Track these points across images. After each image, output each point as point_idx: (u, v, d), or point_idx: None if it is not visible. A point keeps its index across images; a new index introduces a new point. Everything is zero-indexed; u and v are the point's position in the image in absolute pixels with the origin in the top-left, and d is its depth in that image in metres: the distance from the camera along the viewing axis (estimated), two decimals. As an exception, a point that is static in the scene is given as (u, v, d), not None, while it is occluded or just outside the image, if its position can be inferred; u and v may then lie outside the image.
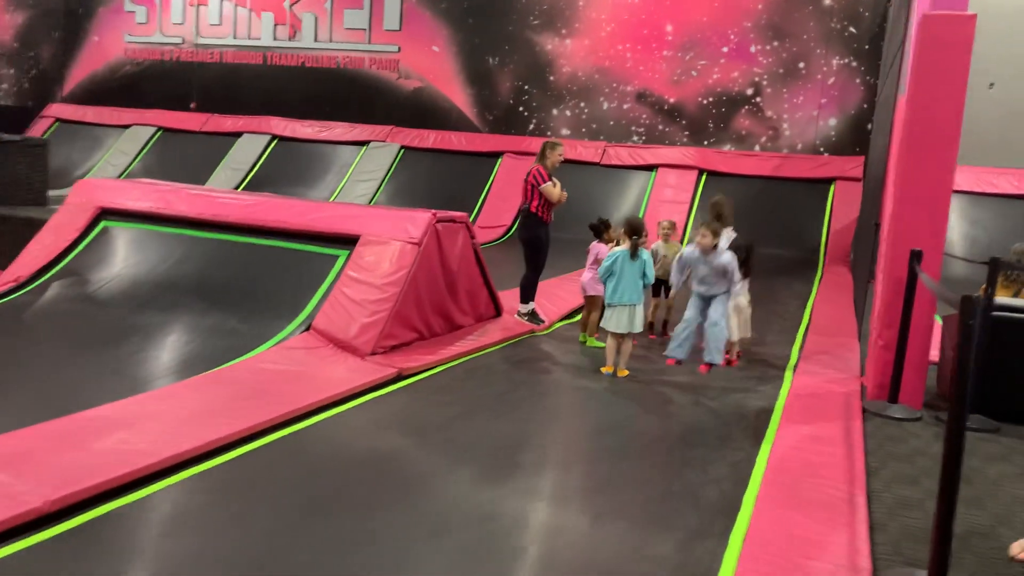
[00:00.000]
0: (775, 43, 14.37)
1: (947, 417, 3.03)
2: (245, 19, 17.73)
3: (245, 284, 6.23)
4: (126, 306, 6.13)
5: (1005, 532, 3.73)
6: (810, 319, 8.82)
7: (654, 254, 6.95)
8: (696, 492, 4.00)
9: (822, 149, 14.21)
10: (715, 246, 6.01)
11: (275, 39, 17.56)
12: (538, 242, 7.49)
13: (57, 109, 18.88)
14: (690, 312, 6.07)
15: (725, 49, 14.66)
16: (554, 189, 7.41)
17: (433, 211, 6.48)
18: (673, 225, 7.91)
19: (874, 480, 4.22)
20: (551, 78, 15.78)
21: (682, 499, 3.91)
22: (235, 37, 17.85)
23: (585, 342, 6.94)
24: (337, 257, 6.24)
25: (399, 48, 16.71)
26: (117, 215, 6.94)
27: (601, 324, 6.30)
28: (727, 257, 5.98)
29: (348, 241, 6.28)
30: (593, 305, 6.93)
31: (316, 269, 6.20)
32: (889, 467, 4.43)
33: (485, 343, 6.59)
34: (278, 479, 3.91)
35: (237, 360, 5.31)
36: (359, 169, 16.07)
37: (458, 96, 16.43)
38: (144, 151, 17.51)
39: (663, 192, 14.32)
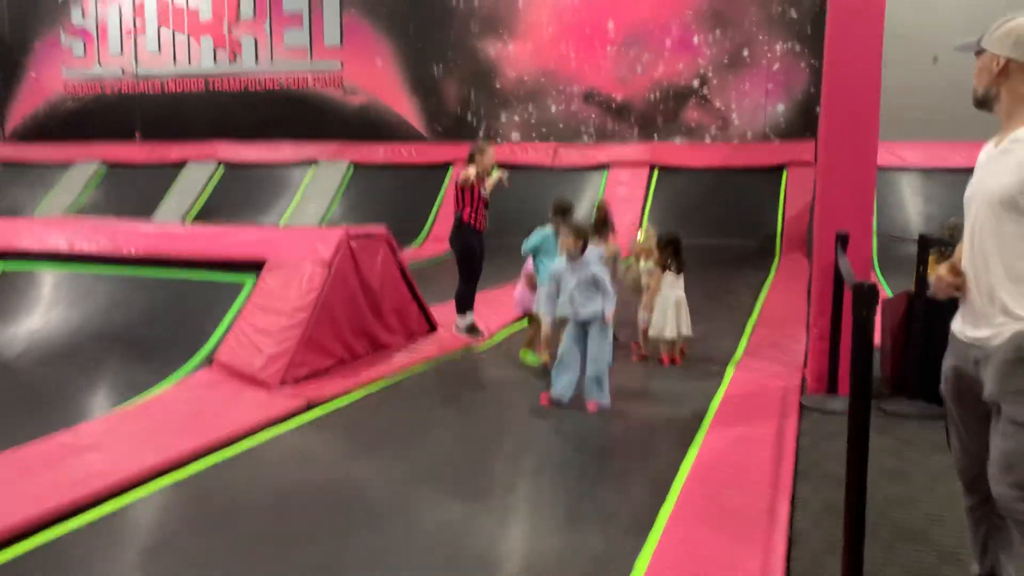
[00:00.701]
0: (717, 32, 14.17)
1: (849, 413, 2.74)
2: (184, 45, 17.36)
3: (147, 319, 5.88)
4: (21, 351, 5.76)
5: (938, 534, 3.44)
6: (760, 310, 8.55)
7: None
8: (607, 513, 3.69)
9: (772, 136, 14.00)
10: (582, 250, 5.19)
11: (216, 63, 17.19)
12: (470, 251, 7.19)
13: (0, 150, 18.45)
14: (566, 343, 5.17)
15: (668, 42, 14.44)
16: (469, 174, 7.04)
17: (345, 228, 6.16)
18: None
19: (802, 484, 3.93)
20: (497, 84, 15.50)
21: (591, 523, 3.59)
22: (175, 64, 17.47)
23: (525, 359, 6.40)
24: (242, 284, 5.90)
25: (342, 64, 16.39)
26: (17, 257, 6.57)
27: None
28: (596, 267, 5.16)
29: (255, 266, 5.94)
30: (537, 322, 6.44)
31: (221, 298, 5.85)
32: (820, 468, 4.14)
33: (414, 361, 6.27)
34: (167, 527, 3.57)
35: (126, 403, 4.94)
36: (309, 189, 15.73)
37: (405, 108, 16.12)
38: (89, 188, 17.09)
39: (616, 190, 14.05)
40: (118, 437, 4.39)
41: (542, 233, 6.14)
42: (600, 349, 5.07)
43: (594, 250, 5.33)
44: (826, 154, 5.16)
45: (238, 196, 15.99)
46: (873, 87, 5.04)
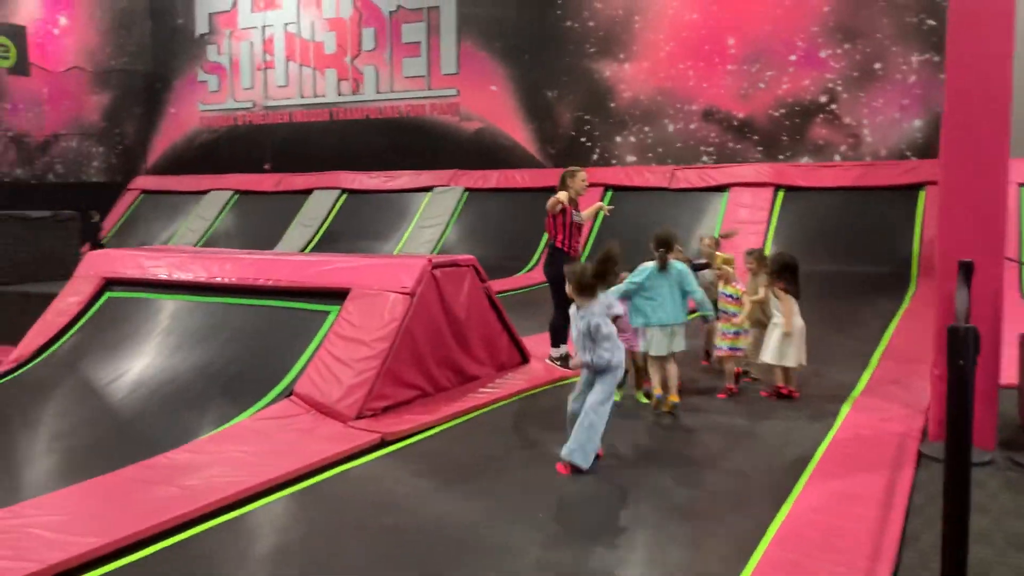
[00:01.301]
0: (846, 45, 13.35)
1: (945, 471, 2.29)
2: (310, 77, 17.96)
3: (235, 348, 5.90)
4: (115, 376, 5.89)
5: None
6: (888, 343, 7.84)
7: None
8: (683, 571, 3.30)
9: (908, 153, 13.03)
10: (588, 296, 4.53)
11: (339, 94, 17.69)
12: (563, 279, 6.91)
13: (142, 181, 19.61)
14: (576, 392, 4.67)
15: (793, 57, 13.74)
16: (555, 202, 6.86)
17: (429, 257, 6.02)
18: (716, 243, 7.09)
19: (909, 552, 3.41)
20: (612, 105, 15.19)
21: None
22: (302, 96, 18.10)
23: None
24: (328, 313, 5.83)
25: (458, 91, 16.51)
26: (121, 285, 6.78)
27: (642, 348, 5.77)
28: (598, 317, 4.50)
29: (340, 295, 5.87)
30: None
31: (306, 327, 5.80)
32: (934, 530, 3.59)
33: (502, 395, 6.02)
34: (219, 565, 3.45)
35: (203, 436, 4.92)
36: (424, 215, 15.86)
37: (519, 133, 16.05)
38: (221, 215, 17.88)
39: (738, 213, 13.43)
40: (185, 471, 4.35)
41: (645, 270, 5.70)
42: (598, 397, 4.49)
43: (605, 297, 4.68)
44: (947, 173, 4.59)
45: (359, 223, 16.33)
46: (1002, 96, 4.45)
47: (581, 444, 4.43)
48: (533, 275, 12.88)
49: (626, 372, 5.72)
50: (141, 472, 4.34)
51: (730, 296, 6.22)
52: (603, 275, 4.63)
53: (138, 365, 5.99)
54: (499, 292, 11.00)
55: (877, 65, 13.20)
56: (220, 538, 3.75)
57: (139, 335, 6.26)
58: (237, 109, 18.81)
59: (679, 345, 5.64)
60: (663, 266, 5.63)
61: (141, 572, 3.43)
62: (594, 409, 4.47)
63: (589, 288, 4.57)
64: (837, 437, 4.90)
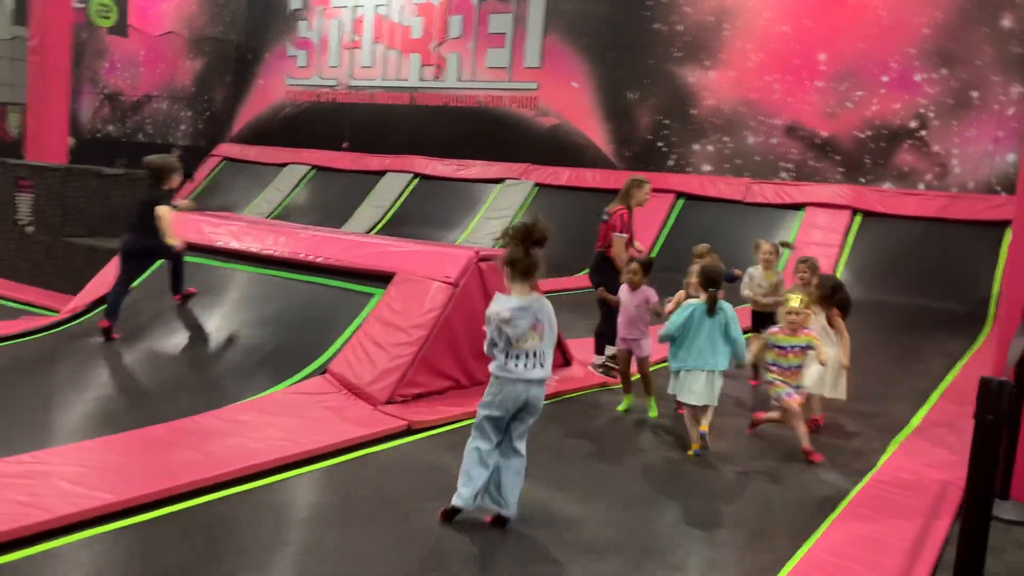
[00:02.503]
0: (943, 71, 12.81)
1: (961, 525, 2.13)
2: (395, 61, 18.12)
3: (279, 321, 5.97)
4: (158, 340, 6.02)
5: None
6: (950, 384, 7.49)
7: (749, 278, 6.64)
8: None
9: (998, 188, 12.45)
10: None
11: (421, 80, 17.81)
12: (611, 288, 6.80)
13: (225, 148, 20.08)
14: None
15: (885, 79, 13.24)
16: (622, 245, 6.73)
17: (477, 249, 5.97)
18: (776, 250, 6.81)
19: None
20: (692, 111, 14.91)
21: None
22: (384, 79, 18.27)
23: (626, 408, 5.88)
24: (372, 296, 5.85)
25: (538, 85, 16.44)
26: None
27: (671, 390, 5.22)
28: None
29: (385, 279, 5.87)
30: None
31: (349, 308, 5.83)
32: (960, 591, 3.39)
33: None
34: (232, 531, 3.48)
35: (237, 401, 4.98)
36: (492, 207, 15.86)
37: (595, 132, 15.90)
38: (297, 189, 18.21)
39: (811, 233, 13.05)
40: (209, 437, 4.40)
41: (688, 309, 5.06)
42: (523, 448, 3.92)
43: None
44: (1021, 213, 4.34)
45: (428, 208, 16.43)
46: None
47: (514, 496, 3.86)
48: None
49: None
50: (167, 433, 4.41)
51: (797, 347, 5.13)
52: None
53: (183, 328, 6.11)
54: (558, 291, 10.98)
55: (974, 93, 12.64)
56: (233, 508, 3.78)
57: (191, 299, 6.37)
58: (321, 86, 19.11)
59: (716, 395, 5.03)
60: (712, 310, 4.96)
61: (151, 532, 3.48)
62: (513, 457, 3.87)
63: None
64: (875, 478, 4.68)
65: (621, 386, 6.07)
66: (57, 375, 5.60)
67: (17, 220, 8.45)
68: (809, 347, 5.08)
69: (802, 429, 5.06)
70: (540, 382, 3.80)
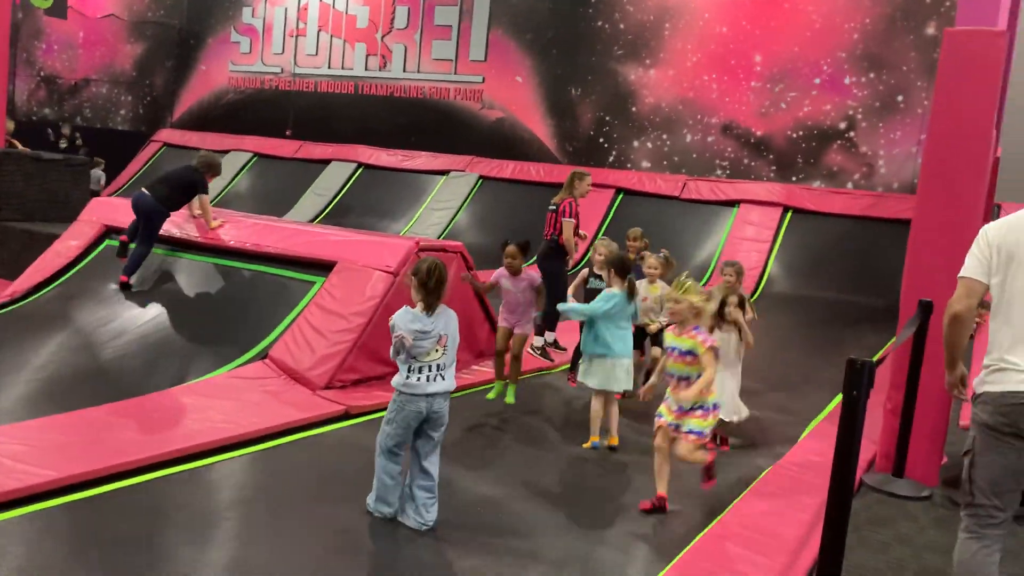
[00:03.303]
0: (871, 75, 13.36)
1: (828, 499, 2.42)
2: (340, 50, 18.11)
3: (221, 307, 6.08)
4: (100, 324, 6.08)
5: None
6: (865, 374, 7.91)
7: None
8: (607, 569, 3.45)
9: (920, 188, 13.02)
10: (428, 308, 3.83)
11: (366, 69, 17.83)
12: (558, 274, 7.14)
13: (166, 134, 19.83)
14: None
15: (817, 80, 13.75)
16: (571, 229, 7.08)
17: (417, 239, 6.15)
18: (665, 263, 6.25)
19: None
20: (633, 109, 15.26)
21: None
22: (329, 67, 18.25)
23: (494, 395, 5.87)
24: (313, 283, 6.00)
25: (483, 79, 16.62)
26: (122, 233, 6.96)
27: (579, 378, 5.29)
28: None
29: (326, 267, 6.02)
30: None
31: (290, 295, 5.97)
32: (851, 559, 3.71)
33: (474, 381, 6.19)
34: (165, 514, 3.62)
35: (181, 385, 5.10)
36: (436, 198, 16.01)
37: (539, 127, 16.15)
38: (239, 176, 18.09)
39: (744, 230, 13.51)
40: (150, 418, 4.52)
41: (614, 298, 5.16)
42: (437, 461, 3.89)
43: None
44: (919, 213, 4.69)
45: (371, 198, 16.48)
46: (981, 145, 4.54)
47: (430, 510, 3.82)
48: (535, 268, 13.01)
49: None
50: (109, 414, 4.52)
51: (678, 350, 4.17)
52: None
53: (125, 313, 6.18)
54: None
55: (899, 97, 13.22)
56: (173, 487, 3.92)
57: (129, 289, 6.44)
58: (265, 73, 18.99)
59: (620, 381, 5.11)
60: (631, 295, 5.17)
61: (91, 509, 3.60)
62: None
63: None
64: (785, 459, 5.01)
65: (562, 369, 6.34)
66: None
67: (-49, 204, 8.38)
68: (692, 353, 4.09)
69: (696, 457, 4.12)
70: (444, 395, 3.77)
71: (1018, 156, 11.72)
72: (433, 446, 3.82)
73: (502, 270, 5.82)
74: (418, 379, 3.72)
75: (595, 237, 14.54)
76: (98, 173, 16.43)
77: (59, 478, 3.70)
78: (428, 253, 6.14)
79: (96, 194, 15.46)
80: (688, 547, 3.67)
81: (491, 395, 5.86)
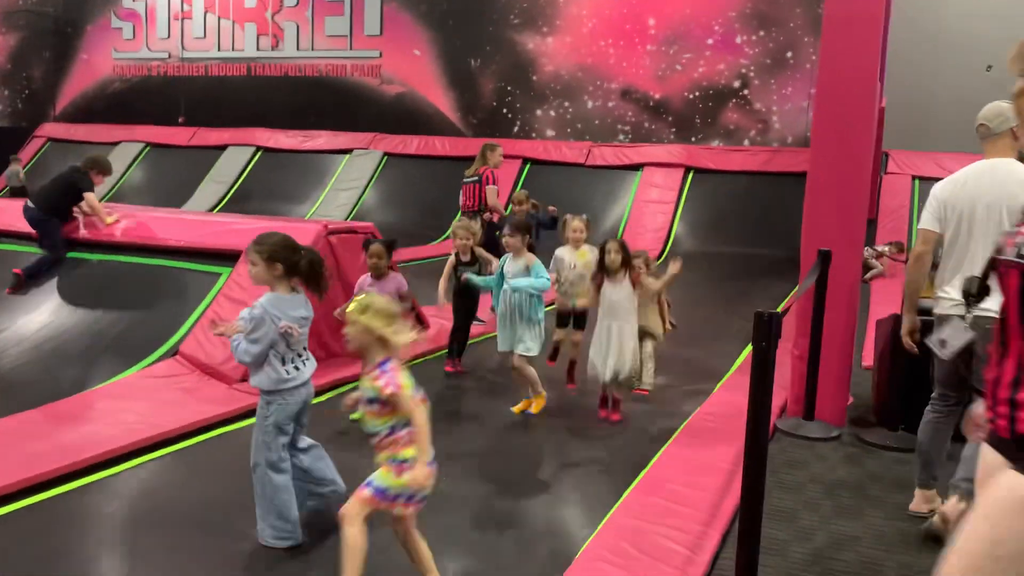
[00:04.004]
0: (761, 33, 13.72)
1: (746, 447, 2.53)
2: (228, 31, 17.53)
3: (123, 306, 5.87)
4: (4, 330, 5.80)
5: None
6: (772, 324, 8.21)
7: (558, 263, 5.40)
8: (530, 536, 3.51)
9: (812, 141, 13.49)
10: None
11: (258, 50, 17.33)
12: (494, 243, 7.22)
13: (50, 128, 18.88)
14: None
15: (710, 41, 14.04)
16: (495, 194, 7.26)
17: (325, 222, 6.06)
18: (586, 225, 5.61)
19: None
20: (534, 78, 15.29)
21: (510, 544, 3.42)
22: (219, 50, 17.66)
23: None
24: (220, 275, 5.84)
25: (380, 53, 16.36)
26: (9, 237, 6.64)
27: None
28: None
29: (232, 257, 5.87)
30: None
31: (197, 288, 5.81)
32: (769, 501, 3.87)
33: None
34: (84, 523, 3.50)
35: (90, 388, 4.92)
36: (341, 178, 15.75)
37: (441, 100, 16.03)
38: (131, 168, 17.40)
39: (648, 192, 13.77)
40: (61, 426, 4.36)
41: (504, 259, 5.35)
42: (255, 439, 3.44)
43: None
44: (813, 165, 4.87)
45: (273, 182, 16.09)
46: (866, 99, 4.73)
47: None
48: (448, 244, 12.98)
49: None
50: (16, 424, 4.33)
51: (373, 401, 2.94)
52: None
53: (22, 319, 5.91)
54: (413, 260, 11.12)
55: (788, 54, 13.62)
56: (90, 496, 3.80)
57: (24, 288, 6.15)
58: (152, 59, 18.25)
59: (527, 347, 5.07)
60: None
61: (6, 527, 3.46)
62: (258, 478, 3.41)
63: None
64: (700, 412, 5.18)
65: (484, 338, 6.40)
66: None
67: None
68: (378, 400, 2.90)
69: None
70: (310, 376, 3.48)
71: (900, 105, 12.27)
72: (302, 428, 3.53)
73: (365, 276, 5.24)
74: (296, 368, 3.38)
75: (505, 210, 14.63)
76: (16, 168, 15.61)
77: (-35, 497, 3.54)
78: (338, 235, 6.07)
79: (20, 190, 14.77)
80: (615, 505, 3.76)
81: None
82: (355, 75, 16.60)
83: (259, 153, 16.74)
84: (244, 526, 3.51)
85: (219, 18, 17.56)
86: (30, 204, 6.38)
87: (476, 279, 5.64)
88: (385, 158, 15.80)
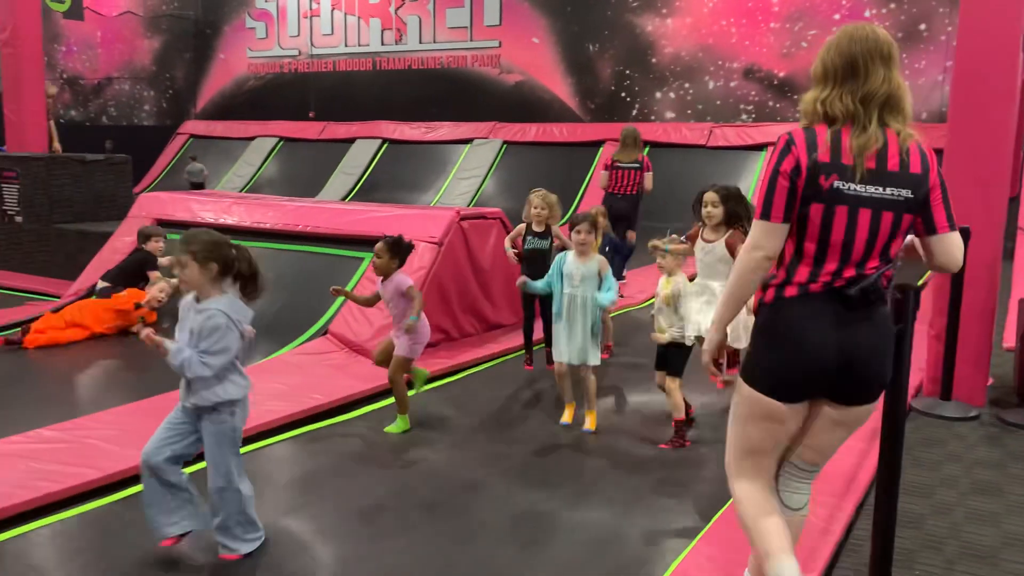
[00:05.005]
0: (892, 5, 13.23)
1: (883, 423, 2.60)
2: (355, 26, 18.21)
3: (276, 290, 6.26)
4: (164, 317, 6.36)
5: (1008, 557, 3.17)
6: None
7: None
8: (678, 498, 3.67)
9: (948, 116, 12.93)
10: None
11: (383, 44, 17.93)
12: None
13: (191, 126, 20.12)
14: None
15: (837, 16, 13.63)
16: (651, 180, 8.62)
17: (458, 209, 6.33)
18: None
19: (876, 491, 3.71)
20: (653, 60, 15.25)
21: (642, 515, 3.59)
22: (346, 45, 18.37)
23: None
24: (362, 259, 6.21)
25: (500, 43, 16.65)
26: (172, 226, 7.21)
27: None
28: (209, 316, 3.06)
29: (373, 243, 6.20)
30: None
31: (342, 272, 6.19)
32: (903, 476, 3.88)
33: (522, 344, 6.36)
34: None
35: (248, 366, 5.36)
36: (462, 167, 16.15)
37: (559, 86, 16.20)
38: (267, 161, 18.35)
39: (772, 173, 13.51)
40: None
41: (561, 258, 4.68)
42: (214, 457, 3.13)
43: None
44: (951, 141, 4.78)
45: (398, 173, 16.66)
46: (1009, 65, 4.61)
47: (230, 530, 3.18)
48: (566, 229, 13.15)
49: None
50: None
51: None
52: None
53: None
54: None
55: (922, 26, 13.09)
56: (254, 463, 4.16)
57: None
58: (283, 56, 19.16)
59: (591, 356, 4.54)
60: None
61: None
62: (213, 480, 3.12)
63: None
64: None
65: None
66: (73, 352, 5.95)
67: (5, 211, 8.67)
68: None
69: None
70: None
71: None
72: None
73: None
74: (243, 374, 3.16)
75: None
76: (198, 165, 16.87)
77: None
78: (469, 221, 6.34)
79: (200, 185, 15.98)
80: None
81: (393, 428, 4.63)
82: (475, 65, 16.96)
83: (385, 145, 17.34)
84: (394, 483, 3.81)
85: (345, 14, 18.25)
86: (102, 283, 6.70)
87: (534, 285, 4.73)
88: (504, 146, 16.09)
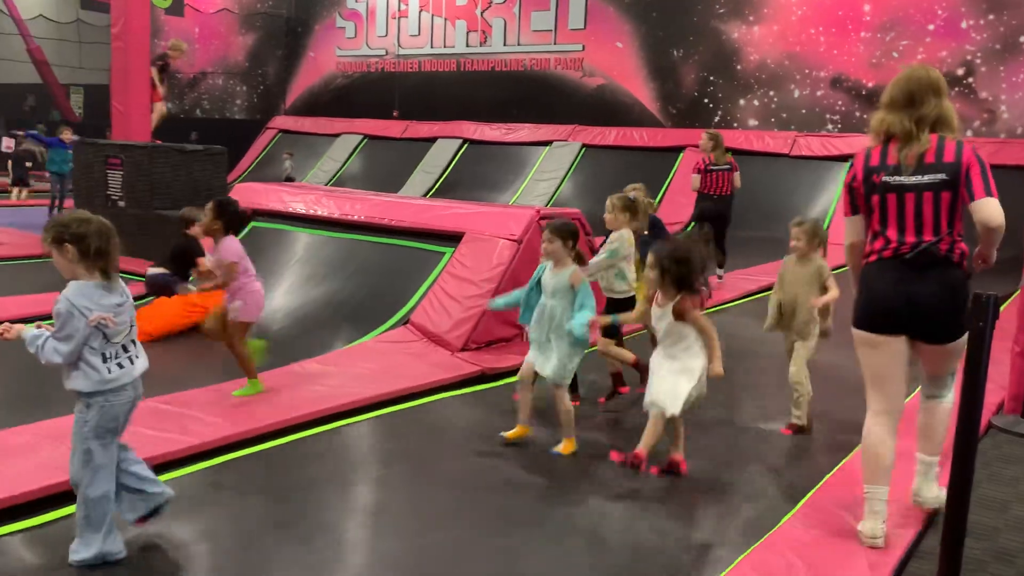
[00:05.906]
0: (990, 16, 12.87)
1: (956, 436, 2.62)
2: (441, 28, 18.54)
3: (360, 279, 6.56)
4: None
5: None
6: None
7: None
8: (754, 490, 3.72)
9: (1049, 133, 12.53)
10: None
11: (468, 46, 18.22)
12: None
13: (280, 121, 20.77)
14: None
15: (931, 27, 13.34)
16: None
17: (537, 208, 6.47)
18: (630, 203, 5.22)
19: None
20: (738, 67, 15.15)
21: (720, 514, 3.65)
22: (432, 46, 18.72)
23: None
24: (443, 254, 6.40)
25: (583, 47, 16.76)
26: (265, 216, 7.55)
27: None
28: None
29: (455, 238, 6.42)
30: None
31: (423, 265, 6.40)
32: (979, 490, 3.85)
33: (594, 342, 6.46)
34: (318, 470, 4.09)
35: (333, 351, 5.61)
36: (541, 169, 16.30)
37: (640, 91, 16.21)
38: (351, 158, 18.83)
39: (857, 184, 13.27)
40: (314, 379, 5.02)
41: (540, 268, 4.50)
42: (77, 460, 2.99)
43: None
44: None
45: (477, 173, 16.91)
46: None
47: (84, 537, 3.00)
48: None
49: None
50: (279, 377, 5.03)
51: None
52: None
53: (277, 290, 6.74)
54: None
55: (1023, 38, 12.69)
56: (334, 441, 4.36)
57: (279, 262, 7.01)
58: (370, 56, 19.63)
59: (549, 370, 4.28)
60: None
61: (265, 459, 4.08)
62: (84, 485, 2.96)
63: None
64: (910, 404, 5.11)
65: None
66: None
67: (109, 195, 9.16)
68: None
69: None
70: (142, 374, 3.08)
71: None
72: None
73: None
74: (120, 366, 2.96)
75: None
76: (290, 163, 17.71)
77: (243, 431, 4.21)
78: (547, 221, 6.46)
79: (291, 179, 16.70)
80: (817, 486, 3.88)
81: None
82: (558, 68, 17.10)
83: (465, 145, 17.62)
84: (466, 472, 3.95)
85: (432, 16, 18.61)
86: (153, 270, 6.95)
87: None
88: (583, 149, 16.18)
